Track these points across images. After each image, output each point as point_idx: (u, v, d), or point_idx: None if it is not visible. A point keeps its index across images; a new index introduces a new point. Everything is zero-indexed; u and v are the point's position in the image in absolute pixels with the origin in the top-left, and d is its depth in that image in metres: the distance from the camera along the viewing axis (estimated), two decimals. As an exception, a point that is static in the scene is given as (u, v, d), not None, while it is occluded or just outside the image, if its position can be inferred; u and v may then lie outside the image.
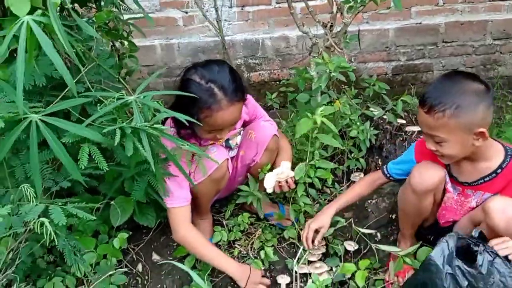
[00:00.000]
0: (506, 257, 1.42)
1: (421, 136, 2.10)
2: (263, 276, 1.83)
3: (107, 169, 1.42)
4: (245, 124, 1.99)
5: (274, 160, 1.97)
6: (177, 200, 1.79)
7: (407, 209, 1.76)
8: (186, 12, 2.92)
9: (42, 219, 1.29)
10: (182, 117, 1.44)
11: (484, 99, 1.45)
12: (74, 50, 1.34)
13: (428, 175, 1.63)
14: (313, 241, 1.80)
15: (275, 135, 1.93)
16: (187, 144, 1.52)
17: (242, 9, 2.94)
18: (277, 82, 3.09)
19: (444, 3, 2.99)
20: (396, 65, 3.14)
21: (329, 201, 2.08)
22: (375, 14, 2.99)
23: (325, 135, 1.73)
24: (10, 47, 1.62)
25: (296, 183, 1.88)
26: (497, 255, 1.41)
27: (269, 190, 1.84)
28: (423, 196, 1.66)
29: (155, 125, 1.41)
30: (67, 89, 1.52)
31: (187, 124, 1.47)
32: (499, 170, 1.57)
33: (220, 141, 1.82)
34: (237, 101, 1.69)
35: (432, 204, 1.72)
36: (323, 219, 1.81)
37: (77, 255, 1.54)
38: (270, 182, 1.83)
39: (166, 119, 1.81)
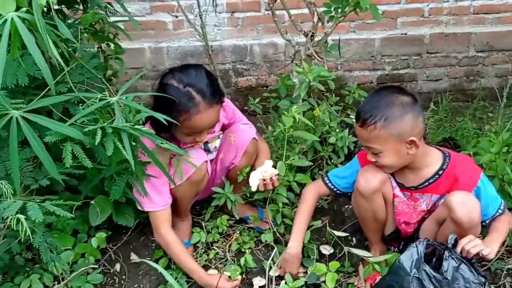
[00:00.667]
0: (477, 259, 1.49)
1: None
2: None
3: (91, 166, 1.45)
4: (224, 128, 2.02)
5: (253, 163, 2.01)
6: (156, 205, 1.83)
7: (362, 215, 1.83)
8: (176, 16, 2.96)
9: (18, 215, 1.31)
10: (161, 117, 1.48)
11: (411, 110, 1.58)
12: (59, 50, 1.38)
13: (371, 176, 1.71)
14: None
15: (254, 138, 1.97)
16: (166, 143, 1.55)
17: (231, 15, 2.98)
18: (264, 88, 3.14)
19: (429, 15, 3.04)
20: (381, 74, 3.19)
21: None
22: (361, 24, 3.04)
23: (300, 131, 1.79)
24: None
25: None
26: (462, 261, 1.46)
27: (254, 189, 1.89)
28: (371, 198, 1.73)
29: (136, 126, 1.45)
30: (47, 88, 1.55)
31: (166, 124, 1.50)
32: (440, 172, 1.67)
33: (198, 144, 1.86)
34: (215, 103, 1.72)
35: (385, 208, 1.78)
36: (298, 256, 1.84)
37: (54, 253, 1.56)
38: (254, 180, 1.87)
39: (144, 123, 1.84)
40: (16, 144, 1.34)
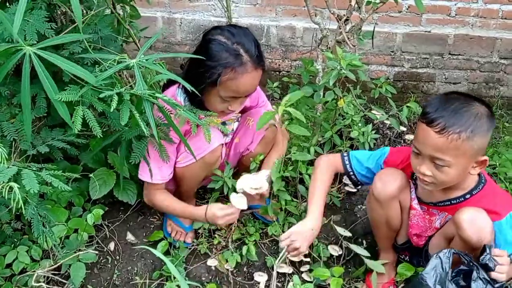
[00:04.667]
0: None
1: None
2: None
3: (101, 136, 1.32)
4: (244, 111, 1.88)
5: (268, 153, 1.87)
6: (153, 177, 1.71)
7: (375, 219, 1.71)
8: (193, -13, 2.81)
9: (11, 183, 1.17)
10: (187, 85, 1.38)
11: (493, 125, 1.42)
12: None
13: (389, 180, 1.59)
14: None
15: (274, 125, 1.82)
16: (185, 110, 1.43)
17: (251, -8, 2.84)
18: (277, 73, 3.00)
19: (456, 14, 2.92)
20: (399, 71, 3.06)
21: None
22: (384, 17, 2.90)
23: (294, 125, 1.63)
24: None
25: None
26: (489, 283, 1.35)
27: (239, 191, 1.71)
28: (387, 204, 1.61)
29: (156, 93, 1.32)
30: (74, 25, 1.42)
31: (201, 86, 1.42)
32: (468, 196, 1.52)
33: (227, 115, 1.76)
34: (261, 67, 1.64)
35: (401, 216, 1.67)
36: (317, 230, 1.64)
37: (46, 227, 1.42)
38: (242, 185, 1.69)
39: (169, 86, 1.72)
40: (28, 81, 1.22)
